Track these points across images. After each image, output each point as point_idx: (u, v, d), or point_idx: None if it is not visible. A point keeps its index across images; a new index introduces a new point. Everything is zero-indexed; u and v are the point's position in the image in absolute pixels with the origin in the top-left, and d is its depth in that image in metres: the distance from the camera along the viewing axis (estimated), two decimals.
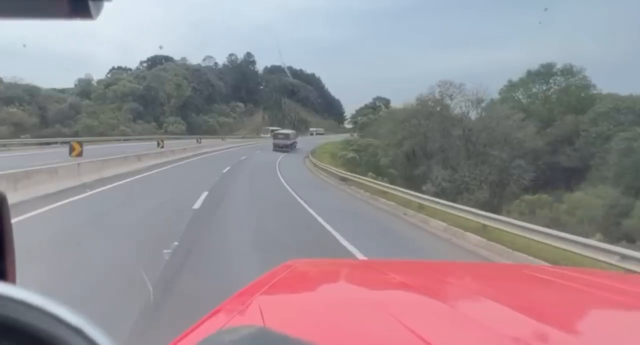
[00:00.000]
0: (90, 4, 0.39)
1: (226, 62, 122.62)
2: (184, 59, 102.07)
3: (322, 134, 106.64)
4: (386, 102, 72.25)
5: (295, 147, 52.69)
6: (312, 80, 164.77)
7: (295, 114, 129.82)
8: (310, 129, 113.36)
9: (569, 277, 1.59)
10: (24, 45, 77.31)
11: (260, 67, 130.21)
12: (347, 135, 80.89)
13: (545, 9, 49.77)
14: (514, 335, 0.90)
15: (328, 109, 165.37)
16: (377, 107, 72.75)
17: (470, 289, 1.43)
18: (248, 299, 1.13)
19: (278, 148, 48.41)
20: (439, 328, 0.96)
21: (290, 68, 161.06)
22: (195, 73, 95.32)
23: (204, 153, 33.36)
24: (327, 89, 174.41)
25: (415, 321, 0.97)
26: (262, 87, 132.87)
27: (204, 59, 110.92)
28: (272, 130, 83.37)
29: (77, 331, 0.28)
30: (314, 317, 1.05)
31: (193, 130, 74.99)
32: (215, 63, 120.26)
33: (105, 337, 0.30)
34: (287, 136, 51.90)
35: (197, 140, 36.58)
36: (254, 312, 1.03)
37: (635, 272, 5.66)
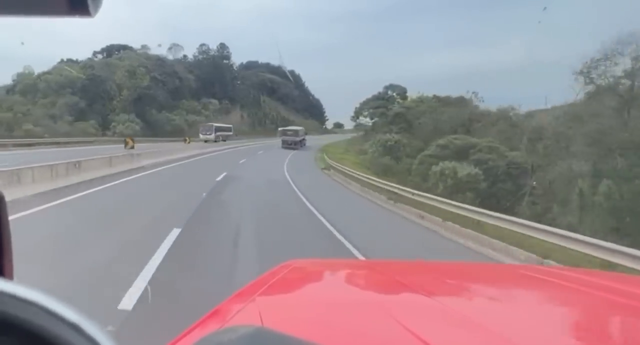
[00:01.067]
0: (89, 1, 0.37)
1: (197, 54, 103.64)
2: (145, 46, 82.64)
3: None
4: (401, 90, 55.40)
5: (304, 144, 48.53)
6: (292, 78, 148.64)
7: (276, 113, 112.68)
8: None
9: (567, 277, 1.51)
10: (22, 43, 59.71)
11: (233, 61, 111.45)
12: (336, 136, 64.64)
13: (545, 9, 38.21)
14: (513, 335, 0.88)
15: (309, 108, 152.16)
16: (389, 98, 55.86)
17: (469, 289, 1.38)
18: (246, 299, 1.09)
19: (287, 145, 44.48)
20: (438, 328, 0.94)
21: (267, 64, 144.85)
22: (159, 62, 76.56)
23: (136, 171, 15.47)
24: (307, 88, 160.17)
25: (414, 321, 0.96)
26: (238, 83, 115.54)
27: (170, 48, 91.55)
28: (218, 128, 57.11)
29: (75, 327, 0.27)
30: (313, 317, 1.01)
31: (153, 130, 56.63)
32: (185, 55, 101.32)
33: (102, 333, 0.29)
34: (295, 133, 47.60)
35: (127, 145, 18.83)
36: (253, 312, 1.00)
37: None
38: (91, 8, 0.37)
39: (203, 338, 0.41)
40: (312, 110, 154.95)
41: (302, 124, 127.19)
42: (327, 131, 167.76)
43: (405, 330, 0.87)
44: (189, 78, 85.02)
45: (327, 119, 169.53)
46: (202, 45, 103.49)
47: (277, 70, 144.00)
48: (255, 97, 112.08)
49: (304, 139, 49.30)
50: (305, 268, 1.64)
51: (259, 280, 1.30)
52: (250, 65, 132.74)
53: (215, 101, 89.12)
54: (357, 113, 60.38)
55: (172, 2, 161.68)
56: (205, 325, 0.94)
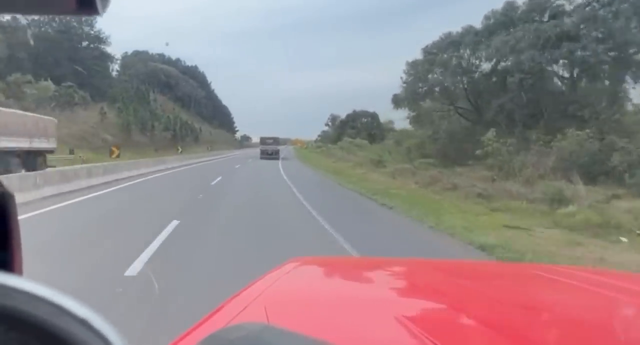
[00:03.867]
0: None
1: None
2: None
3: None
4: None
5: (279, 155, 43.15)
6: (195, 75, 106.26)
7: (173, 116, 68.68)
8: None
9: (577, 277, 1.44)
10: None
11: (101, 31, 65.48)
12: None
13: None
14: (518, 335, 0.86)
15: (218, 116, 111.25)
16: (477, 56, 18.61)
17: (474, 288, 1.33)
18: (251, 296, 1.07)
19: (267, 155, 40.82)
20: (443, 327, 0.93)
21: (162, 55, 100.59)
22: None
23: None
24: (214, 91, 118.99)
25: (419, 319, 0.94)
26: (115, 73, 71.84)
27: None
28: None
29: (83, 323, 0.27)
30: (319, 315, 1.00)
31: None
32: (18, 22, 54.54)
33: (111, 328, 0.28)
34: (276, 141, 44.54)
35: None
36: (257, 309, 0.98)
37: None
38: (99, 6, 0.36)
39: (210, 335, 0.40)
40: (222, 119, 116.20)
41: (212, 134, 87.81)
42: (246, 144, 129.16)
43: (412, 328, 0.84)
44: None
45: (238, 130, 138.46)
46: None
47: (175, 63, 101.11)
48: (140, 92, 67.83)
49: (279, 150, 43.98)
50: (311, 265, 1.59)
51: (264, 278, 1.25)
52: (138, 54, 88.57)
53: (46, 83, 44.59)
54: (406, 91, 21.26)
55: None
56: (210, 323, 0.91)
